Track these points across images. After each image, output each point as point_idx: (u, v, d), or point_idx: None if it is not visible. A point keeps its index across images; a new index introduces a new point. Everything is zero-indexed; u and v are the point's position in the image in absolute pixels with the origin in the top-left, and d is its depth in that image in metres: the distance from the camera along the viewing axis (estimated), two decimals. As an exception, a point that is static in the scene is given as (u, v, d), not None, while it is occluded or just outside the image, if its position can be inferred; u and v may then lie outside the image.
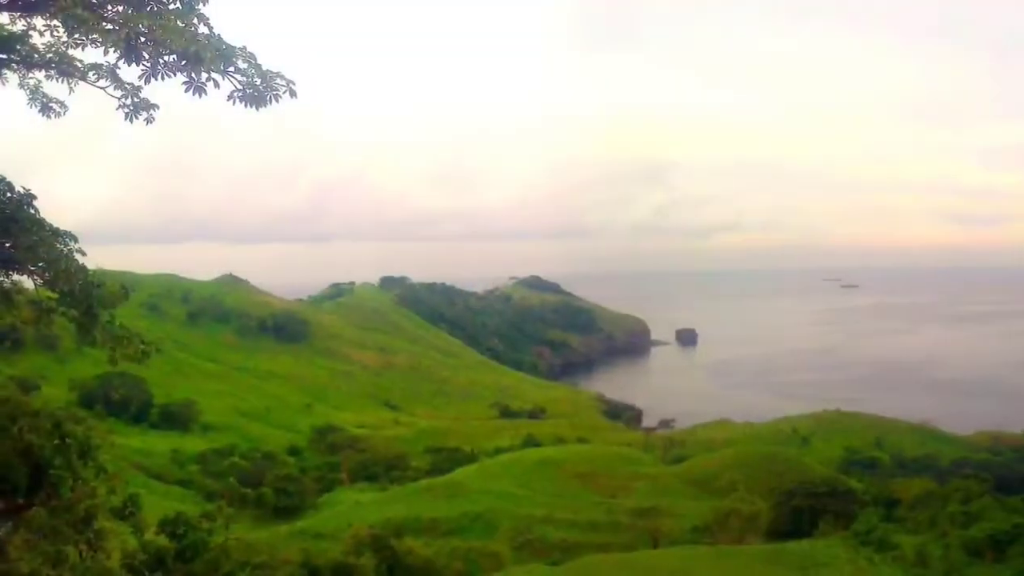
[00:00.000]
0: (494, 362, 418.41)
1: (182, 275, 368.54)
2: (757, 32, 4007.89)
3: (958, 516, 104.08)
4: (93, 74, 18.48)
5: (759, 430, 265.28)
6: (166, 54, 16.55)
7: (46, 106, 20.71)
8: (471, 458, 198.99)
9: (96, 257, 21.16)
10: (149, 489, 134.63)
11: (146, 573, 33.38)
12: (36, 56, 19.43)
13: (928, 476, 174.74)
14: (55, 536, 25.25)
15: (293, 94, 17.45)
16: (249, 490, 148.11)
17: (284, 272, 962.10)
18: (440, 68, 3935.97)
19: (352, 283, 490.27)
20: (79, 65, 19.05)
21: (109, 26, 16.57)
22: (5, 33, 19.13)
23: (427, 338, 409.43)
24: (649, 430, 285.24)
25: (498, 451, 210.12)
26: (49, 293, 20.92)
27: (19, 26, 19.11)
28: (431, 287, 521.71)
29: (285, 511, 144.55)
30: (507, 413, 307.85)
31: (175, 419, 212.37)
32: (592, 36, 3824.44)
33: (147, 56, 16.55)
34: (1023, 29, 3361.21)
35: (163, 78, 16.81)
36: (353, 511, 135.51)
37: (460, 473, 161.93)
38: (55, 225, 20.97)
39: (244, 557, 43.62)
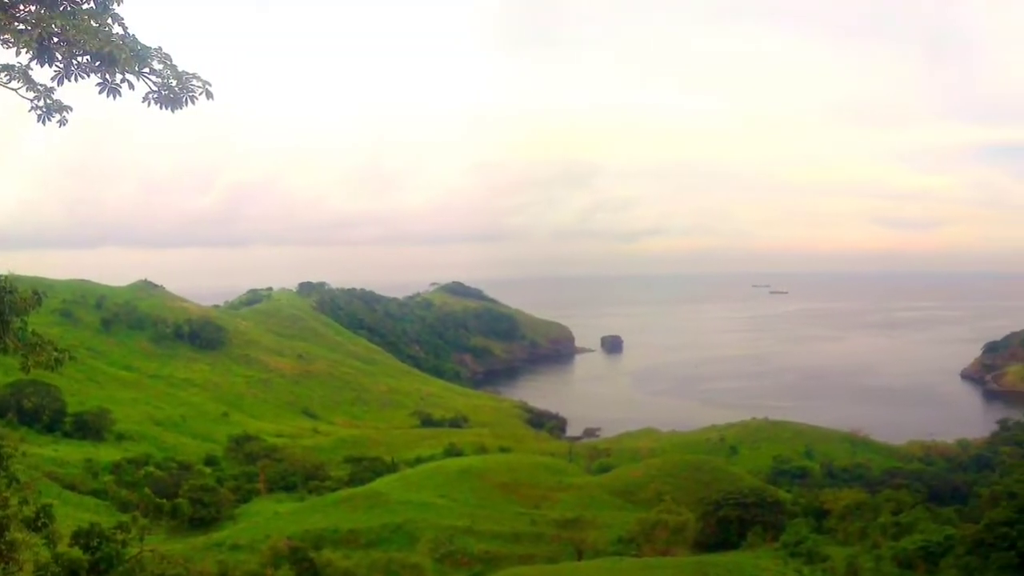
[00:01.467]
0: (415, 369, 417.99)
1: (96, 281, 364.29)
2: (685, 32, 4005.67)
3: (889, 527, 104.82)
4: (5, 75, 18.22)
5: (686, 439, 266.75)
6: (80, 55, 16.38)
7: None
8: (391, 468, 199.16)
9: (7, 262, 21.11)
10: (62, 500, 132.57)
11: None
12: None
13: (859, 486, 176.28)
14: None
15: (209, 96, 17.35)
16: (164, 501, 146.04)
17: (200, 277, 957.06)
18: (358, 69, 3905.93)
19: (270, 289, 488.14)
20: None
21: (21, 26, 16.39)
22: None
23: (346, 345, 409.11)
24: (573, 439, 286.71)
25: (419, 460, 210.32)
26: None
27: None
28: (350, 293, 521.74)
29: (201, 522, 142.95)
30: (428, 422, 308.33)
31: (89, 428, 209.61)
32: (515, 36, 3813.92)
33: (60, 57, 16.39)
34: (953, 27, 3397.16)
35: (77, 79, 16.65)
36: (271, 522, 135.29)
37: (380, 483, 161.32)
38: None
39: (159, 569, 43.28)
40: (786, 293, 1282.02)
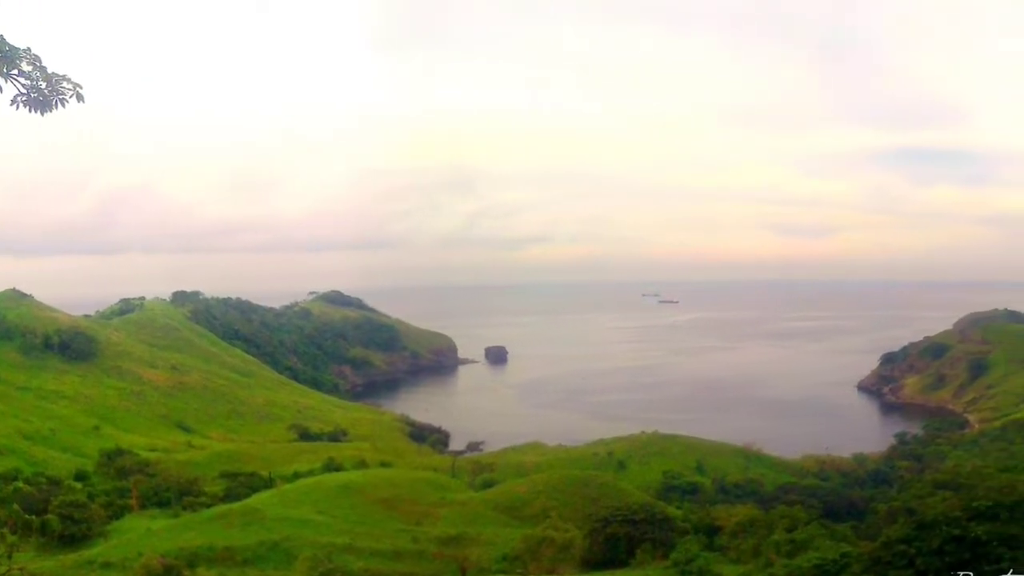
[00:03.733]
0: (293, 381, 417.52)
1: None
2: (574, 34, 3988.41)
3: (783, 545, 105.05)
4: None
5: (573, 453, 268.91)
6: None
7: None
8: (268, 483, 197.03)
9: None
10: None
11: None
12: None
13: (752, 502, 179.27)
14: None
15: (80, 98, 17.28)
16: (33, 517, 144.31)
17: (72, 286, 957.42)
18: (237, 69, 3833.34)
19: (143, 298, 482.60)
20: None
21: None
22: None
23: (222, 356, 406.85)
24: (456, 453, 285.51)
25: (297, 476, 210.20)
26: None
27: None
28: (226, 302, 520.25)
29: (72, 539, 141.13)
30: (306, 435, 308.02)
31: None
32: (399, 36, 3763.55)
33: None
34: (849, 29, 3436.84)
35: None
36: (144, 539, 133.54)
37: (257, 499, 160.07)
38: None
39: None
40: (677, 302, 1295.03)
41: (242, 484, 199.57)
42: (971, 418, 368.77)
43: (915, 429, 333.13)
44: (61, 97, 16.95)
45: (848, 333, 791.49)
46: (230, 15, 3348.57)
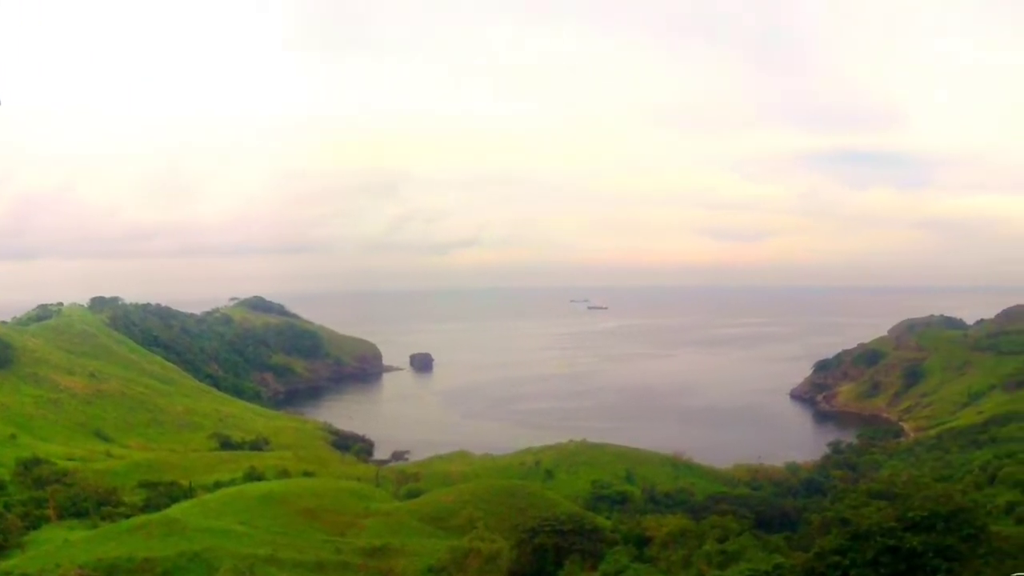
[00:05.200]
0: (213, 389, 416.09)
1: None
2: (500, 34, 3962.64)
3: (715, 556, 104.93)
4: None
5: (500, 462, 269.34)
6: None
7: None
8: (189, 493, 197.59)
9: None
10: None
11: None
12: None
13: (682, 512, 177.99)
14: None
15: None
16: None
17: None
18: (155, 71, 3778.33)
19: (60, 304, 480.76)
20: None
21: None
22: None
23: (141, 363, 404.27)
24: (381, 463, 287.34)
25: (218, 485, 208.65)
26: None
27: None
28: (146, 308, 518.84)
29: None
30: (228, 444, 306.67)
31: None
32: (320, 38, 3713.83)
33: None
34: (782, 29, 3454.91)
35: None
36: (62, 550, 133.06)
37: (177, 509, 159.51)
38: None
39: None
40: (606, 309, 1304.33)
41: (162, 494, 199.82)
42: (906, 426, 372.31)
43: (849, 438, 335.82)
44: (-32, 99, 16.58)
45: (781, 340, 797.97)
46: (147, 16, 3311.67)
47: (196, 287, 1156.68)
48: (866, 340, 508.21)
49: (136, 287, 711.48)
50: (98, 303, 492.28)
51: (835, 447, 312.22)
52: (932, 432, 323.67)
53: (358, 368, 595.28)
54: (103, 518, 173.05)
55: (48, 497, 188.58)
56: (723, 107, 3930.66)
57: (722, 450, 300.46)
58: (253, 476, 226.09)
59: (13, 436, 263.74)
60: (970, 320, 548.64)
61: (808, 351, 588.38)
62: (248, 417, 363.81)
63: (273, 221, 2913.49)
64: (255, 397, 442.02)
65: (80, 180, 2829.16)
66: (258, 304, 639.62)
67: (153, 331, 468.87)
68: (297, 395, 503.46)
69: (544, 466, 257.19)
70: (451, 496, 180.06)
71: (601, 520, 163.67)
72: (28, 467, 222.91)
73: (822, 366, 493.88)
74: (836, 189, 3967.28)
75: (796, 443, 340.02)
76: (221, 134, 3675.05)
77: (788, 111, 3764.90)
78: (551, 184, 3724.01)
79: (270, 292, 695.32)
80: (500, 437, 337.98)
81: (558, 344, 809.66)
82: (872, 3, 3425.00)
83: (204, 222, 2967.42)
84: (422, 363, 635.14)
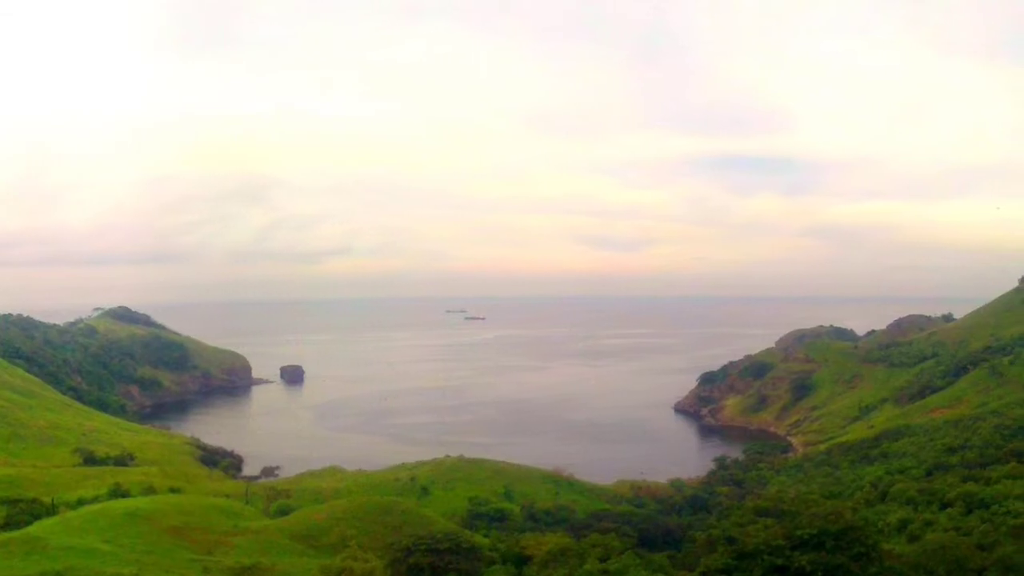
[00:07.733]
0: (77, 403, 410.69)
1: None
2: (371, 37, 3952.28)
3: (597, 575, 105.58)
4: None
5: (373, 478, 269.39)
6: None
7: None
8: (51, 510, 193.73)
9: None
10: None
11: None
12: None
13: (563, 530, 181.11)
14: None
15: None
16: None
17: None
18: (12, 71, 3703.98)
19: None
20: None
21: None
22: None
23: (1, 376, 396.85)
24: (250, 479, 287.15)
25: (81, 502, 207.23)
26: None
27: None
28: (6, 319, 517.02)
29: None
30: (91, 460, 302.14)
31: None
32: (186, 37, 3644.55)
33: None
34: (665, 32, 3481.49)
35: None
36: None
37: (39, 527, 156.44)
38: None
39: None
40: (483, 319, 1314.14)
41: (23, 511, 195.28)
42: (795, 441, 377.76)
43: (735, 453, 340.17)
44: None
45: (666, 352, 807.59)
46: (4, 12, 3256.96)
47: (60, 297, 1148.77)
48: (753, 352, 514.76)
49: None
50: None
51: (721, 462, 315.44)
52: (821, 447, 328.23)
53: (227, 381, 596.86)
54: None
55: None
56: (604, 111, 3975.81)
57: (604, 466, 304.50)
58: (118, 493, 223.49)
59: None
60: (861, 331, 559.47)
61: (693, 363, 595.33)
62: (113, 431, 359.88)
63: (139, 229, 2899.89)
64: (120, 411, 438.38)
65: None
66: (123, 315, 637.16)
67: (14, 342, 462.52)
68: (164, 409, 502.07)
69: (419, 482, 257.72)
70: (323, 513, 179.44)
71: (479, 538, 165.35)
72: None
73: (708, 379, 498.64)
74: (723, 196, 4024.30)
75: (680, 458, 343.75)
76: (83, 137, 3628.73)
77: (672, 115, 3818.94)
78: (425, 191, 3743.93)
79: (136, 302, 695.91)
80: (374, 452, 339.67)
81: (434, 356, 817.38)
82: (758, 5, 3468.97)
83: (67, 230, 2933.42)
84: (293, 375, 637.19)
